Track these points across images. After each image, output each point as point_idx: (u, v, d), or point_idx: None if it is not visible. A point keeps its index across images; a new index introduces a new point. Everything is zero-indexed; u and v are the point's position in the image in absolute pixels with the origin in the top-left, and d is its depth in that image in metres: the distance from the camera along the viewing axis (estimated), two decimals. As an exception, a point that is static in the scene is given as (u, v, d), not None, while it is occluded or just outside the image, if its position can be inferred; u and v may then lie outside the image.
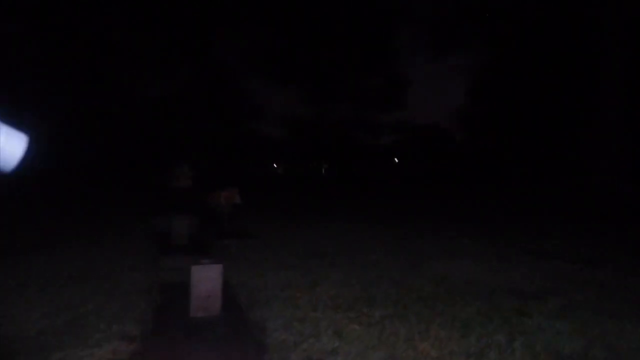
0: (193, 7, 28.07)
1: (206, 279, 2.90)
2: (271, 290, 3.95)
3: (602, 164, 10.99)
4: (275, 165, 57.43)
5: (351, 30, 30.87)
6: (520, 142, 20.68)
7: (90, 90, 24.82)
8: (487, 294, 4.09)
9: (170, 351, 2.44)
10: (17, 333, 2.92)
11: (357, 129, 37.44)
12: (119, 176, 22.39)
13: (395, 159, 57.92)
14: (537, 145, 20.34)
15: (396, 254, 5.74)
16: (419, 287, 4.19)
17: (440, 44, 26.56)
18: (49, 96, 21.84)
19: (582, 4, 14.91)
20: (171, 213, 5.66)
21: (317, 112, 33.48)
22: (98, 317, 3.21)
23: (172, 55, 30.14)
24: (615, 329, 3.24)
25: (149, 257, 5.08)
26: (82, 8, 22.69)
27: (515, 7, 19.74)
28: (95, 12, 23.78)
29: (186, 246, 5.33)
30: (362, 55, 30.48)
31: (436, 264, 5.23)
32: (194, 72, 33.69)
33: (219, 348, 2.49)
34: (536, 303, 3.82)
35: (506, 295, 4.04)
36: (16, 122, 1.16)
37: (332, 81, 31.32)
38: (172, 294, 3.41)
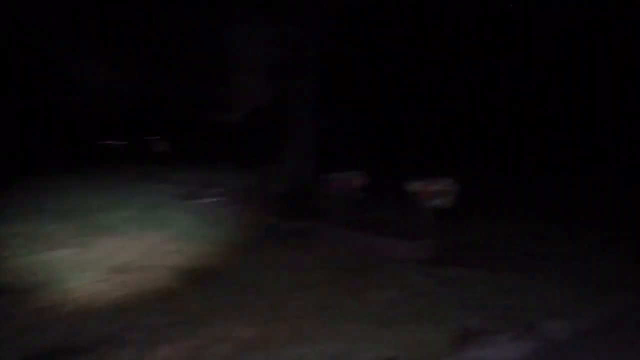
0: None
1: None
2: None
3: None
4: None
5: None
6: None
7: None
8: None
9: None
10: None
11: (180, 104, 35.76)
12: None
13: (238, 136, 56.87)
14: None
15: None
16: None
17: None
18: None
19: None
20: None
21: (135, 84, 31.07)
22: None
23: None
24: None
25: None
26: None
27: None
28: None
29: None
30: (179, 28, 29.08)
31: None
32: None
33: None
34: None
35: None
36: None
37: (148, 52, 29.41)
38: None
